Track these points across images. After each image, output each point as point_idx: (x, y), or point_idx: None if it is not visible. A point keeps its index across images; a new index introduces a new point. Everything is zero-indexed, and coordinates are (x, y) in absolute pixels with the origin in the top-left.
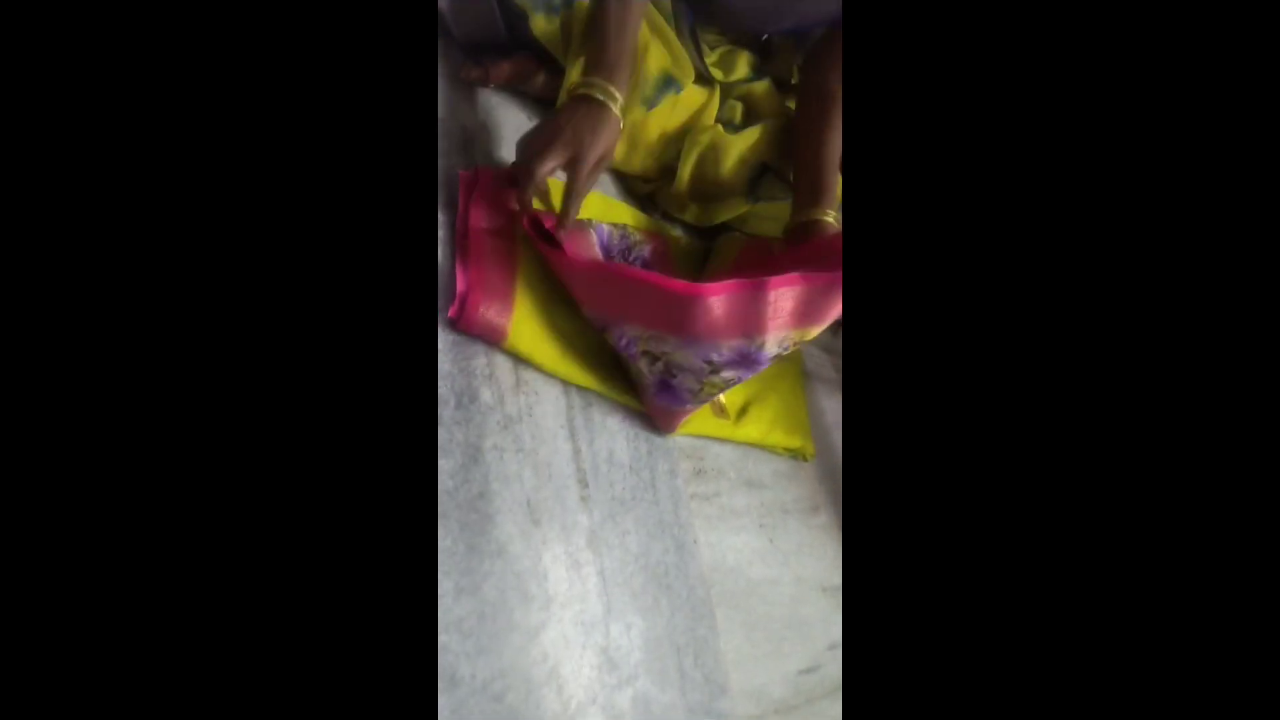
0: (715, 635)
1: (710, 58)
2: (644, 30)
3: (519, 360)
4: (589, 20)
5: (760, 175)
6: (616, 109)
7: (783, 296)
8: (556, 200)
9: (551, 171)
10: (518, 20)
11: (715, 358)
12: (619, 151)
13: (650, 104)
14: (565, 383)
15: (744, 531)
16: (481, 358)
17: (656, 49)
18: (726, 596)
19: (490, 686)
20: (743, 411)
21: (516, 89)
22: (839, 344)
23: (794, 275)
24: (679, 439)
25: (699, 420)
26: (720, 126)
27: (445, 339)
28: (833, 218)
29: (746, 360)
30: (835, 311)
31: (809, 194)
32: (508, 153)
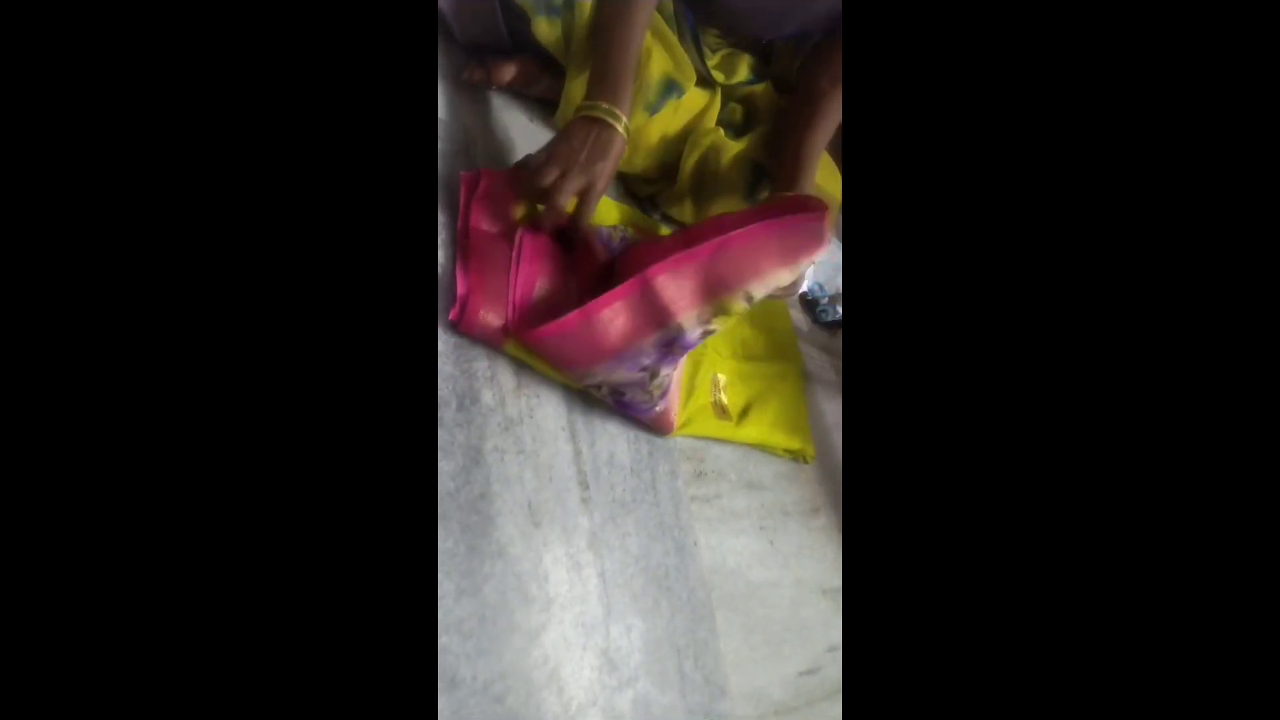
0: (715, 637)
1: (712, 60)
2: (647, 34)
3: (520, 363)
4: (592, 33)
5: (760, 178)
6: (621, 128)
7: (670, 281)
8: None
9: (568, 200)
10: (520, 23)
11: (646, 361)
12: None
13: (653, 109)
14: (566, 385)
15: (744, 533)
16: (483, 360)
17: (659, 53)
18: (726, 598)
19: (491, 688)
20: (744, 413)
21: (518, 91)
22: (839, 345)
23: (674, 258)
24: (680, 441)
25: (700, 422)
26: (721, 129)
27: (447, 341)
28: None
29: (674, 346)
30: (745, 276)
31: (784, 184)
32: (509, 154)
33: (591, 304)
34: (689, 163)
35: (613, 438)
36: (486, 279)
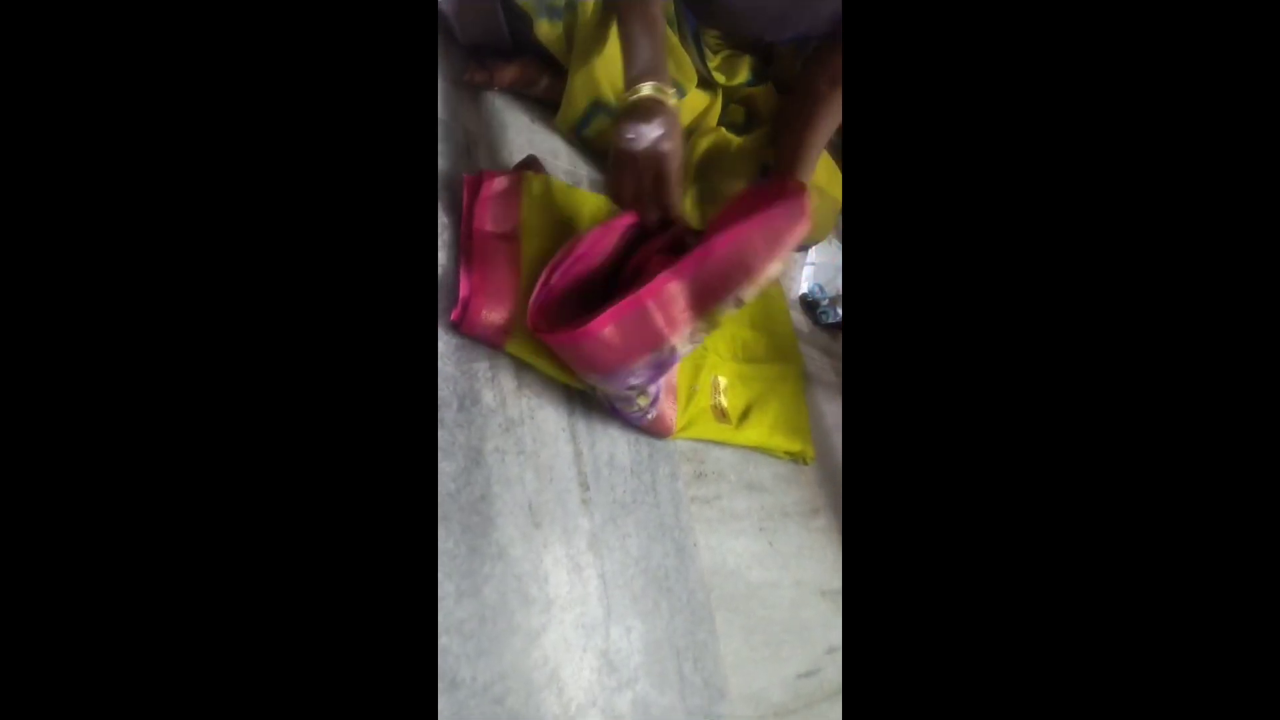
0: (715, 639)
1: (713, 61)
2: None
3: (521, 364)
4: (603, 23)
5: (763, 177)
6: (672, 101)
7: (663, 303)
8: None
9: (674, 202)
10: (521, 24)
11: (634, 381)
12: None
13: None
14: (567, 386)
15: (744, 535)
16: (484, 361)
17: None
18: (726, 600)
19: (491, 689)
20: (744, 415)
21: (520, 92)
22: (839, 347)
23: (661, 276)
24: (680, 443)
25: (700, 424)
26: (724, 129)
27: (448, 342)
28: None
29: (663, 367)
30: (736, 281)
31: (786, 170)
32: (511, 155)
33: (591, 324)
34: (693, 157)
35: (613, 439)
36: (489, 280)
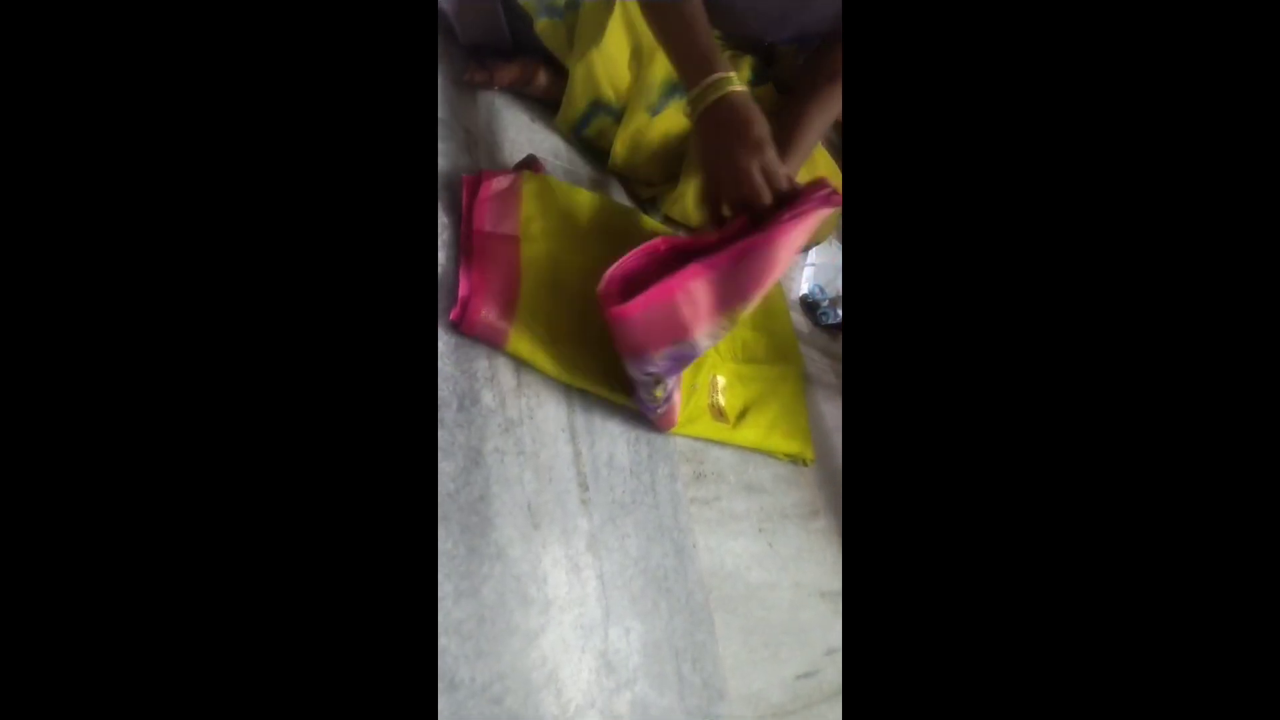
0: (714, 640)
1: None
2: (648, 36)
3: (521, 363)
4: (661, 28)
5: None
6: (736, 85)
7: (692, 293)
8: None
9: (762, 192)
10: (522, 24)
11: (651, 370)
12: (622, 155)
13: (655, 110)
14: (567, 386)
15: (743, 536)
16: (483, 360)
17: (661, 56)
18: (725, 601)
19: (489, 689)
20: (741, 415)
21: (520, 91)
22: (839, 348)
23: (691, 268)
24: (679, 443)
25: (699, 422)
26: None
27: (447, 341)
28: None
29: (682, 361)
30: (764, 282)
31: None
32: (511, 155)
33: (626, 306)
34: (692, 166)
35: (613, 439)
36: (488, 280)
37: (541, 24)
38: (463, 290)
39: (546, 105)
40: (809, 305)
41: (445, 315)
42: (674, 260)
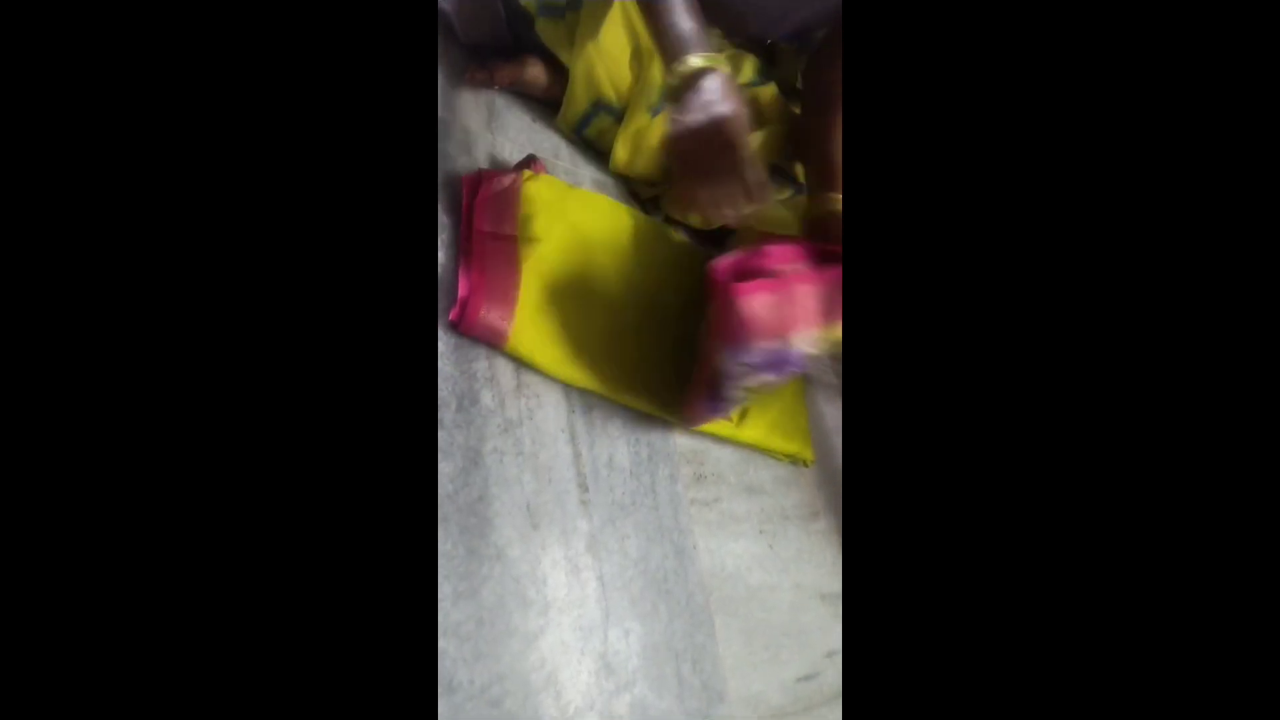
0: (713, 642)
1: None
2: (649, 36)
3: (520, 364)
4: (644, 11)
5: (775, 176)
6: (727, 69)
7: (806, 295)
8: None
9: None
10: (522, 23)
11: (748, 361)
12: (622, 156)
13: (656, 110)
14: (566, 386)
15: (743, 537)
16: (483, 361)
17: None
18: (725, 603)
19: (488, 691)
20: (743, 414)
21: (520, 91)
22: (839, 350)
23: (816, 271)
24: (680, 444)
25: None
26: None
27: (447, 342)
28: None
29: (775, 365)
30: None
31: (821, 184)
32: (511, 155)
33: (750, 284)
34: None
35: (612, 440)
36: (488, 280)
37: (541, 23)
38: (462, 290)
39: (547, 105)
40: None
41: (445, 315)
42: (789, 257)
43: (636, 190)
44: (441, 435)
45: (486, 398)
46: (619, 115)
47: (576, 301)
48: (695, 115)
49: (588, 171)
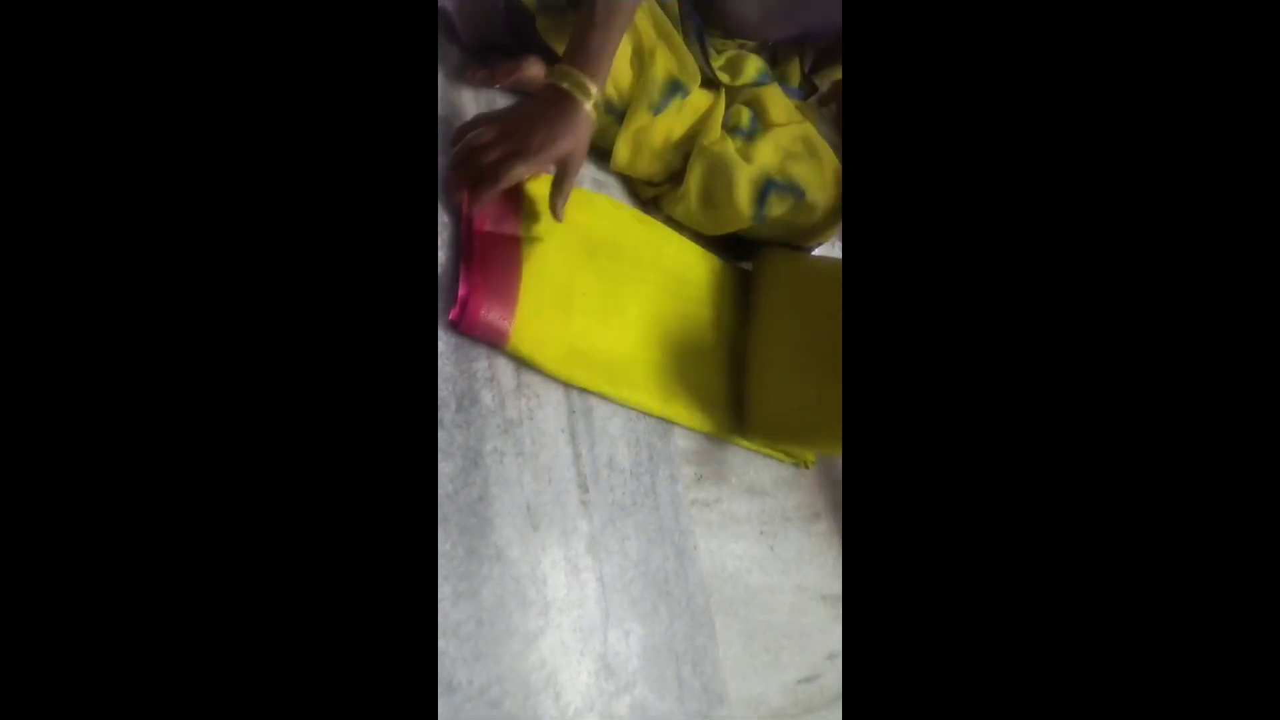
0: (714, 643)
1: (717, 61)
2: (651, 34)
3: (521, 363)
4: (580, 10)
5: (766, 192)
6: (589, 105)
7: None
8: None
9: (508, 179)
10: (524, 21)
11: None
12: (624, 155)
13: (657, 109)
14: (567, 387)
15: (744, 538)
16: (483, 361)
17: (663, 53)
18: (726, 604)
19: (487, 692)
20: (745, 416)
21: (521, 90)
22: None
23: None
24: (680, 445)
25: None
26: (728, 137)
27: (447, 341)
28: None
29: None
30: None
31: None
32: None
33: None
34: (695, 172)
35: (613, 441)
36: (489, 279)
37: (543, 22)
38: (462, 290)
39: None
40: None
41: (445, 315)
42: None
43: (637, 190)
44: (441, 435)
45: (487, 398)
46: (620, 114)
47: (577, 301)
48: (535, 125)
49: (588, 171)
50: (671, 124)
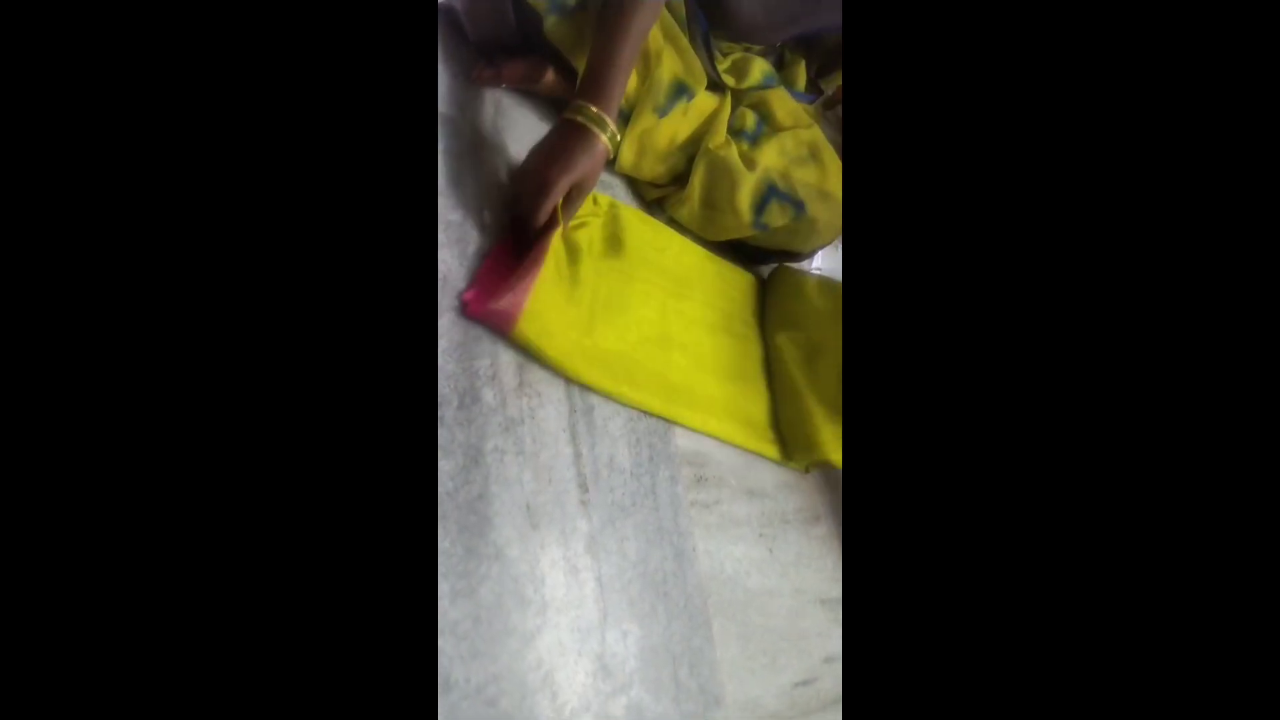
0: (711, 645)
1: (723, 64)
2: (657, 37)
3: (523, 362)
4: (596, 27)
5: (767, 199)
6: (606, 137)
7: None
8: None
9: (545, 210)
10: (531, 21)
11: None
12: (629, 157)
13: (662, 112)
14: (568, 386)
15: (743, 541)
16: (485, 358)
17: (669, 56)
18: (724, 606)
19: (484, 691)
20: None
21: (528, 90)
22: None
23: None
24: (681, 446)
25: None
26: (732, 141)
27: (449, 338)
28: None
29: None
30: None
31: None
32: (517, 154)
33: None
34: (698, 175)
35: (613, 441)
36: (499, 263)
37: (550, 22)
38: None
39: (555, 104)
40: None
41: (445, 313)
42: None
43: (642, 191)
44: (442, 433)
45: (488, 395)
46: (626, 116)
47: (582, 298)
48: (558, 159)
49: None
50: (676, 126)
